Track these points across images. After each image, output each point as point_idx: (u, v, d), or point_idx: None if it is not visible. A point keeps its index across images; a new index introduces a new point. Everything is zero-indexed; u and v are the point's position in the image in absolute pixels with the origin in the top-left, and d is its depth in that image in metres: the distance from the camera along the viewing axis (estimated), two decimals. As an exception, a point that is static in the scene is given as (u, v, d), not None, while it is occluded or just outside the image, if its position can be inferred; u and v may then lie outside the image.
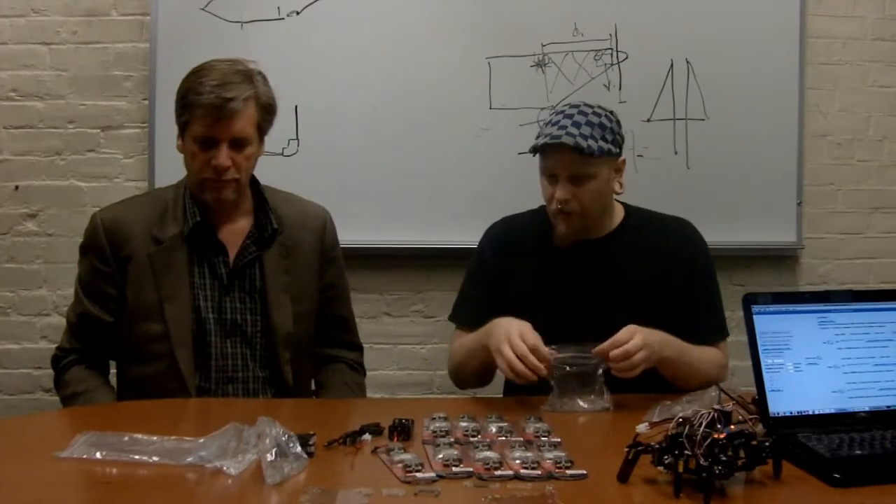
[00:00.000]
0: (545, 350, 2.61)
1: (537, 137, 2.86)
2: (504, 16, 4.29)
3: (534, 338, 2.63)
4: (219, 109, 2.70)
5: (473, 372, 2.99)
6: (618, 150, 2.87)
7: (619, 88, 4.28)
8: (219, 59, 2.83)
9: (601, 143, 2.79)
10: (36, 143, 4.36)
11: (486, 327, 2.78)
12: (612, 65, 4.30)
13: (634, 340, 2.58)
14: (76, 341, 2.93)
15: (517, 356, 2.59)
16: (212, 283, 2.86)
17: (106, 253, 2.84)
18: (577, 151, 2.75)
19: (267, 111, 2.84)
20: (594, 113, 2.84)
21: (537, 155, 2.88)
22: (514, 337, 2.63)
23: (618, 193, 2.95)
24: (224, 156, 2.74)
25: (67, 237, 4.34)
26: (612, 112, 2.90)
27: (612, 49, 4.30)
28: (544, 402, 2.62)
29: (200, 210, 2.85)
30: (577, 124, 2.79)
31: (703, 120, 4.34)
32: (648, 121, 4.28)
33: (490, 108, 4.29)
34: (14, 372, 4.41)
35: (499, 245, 3.10)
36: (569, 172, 2.81)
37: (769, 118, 4.37)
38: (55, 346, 2.99)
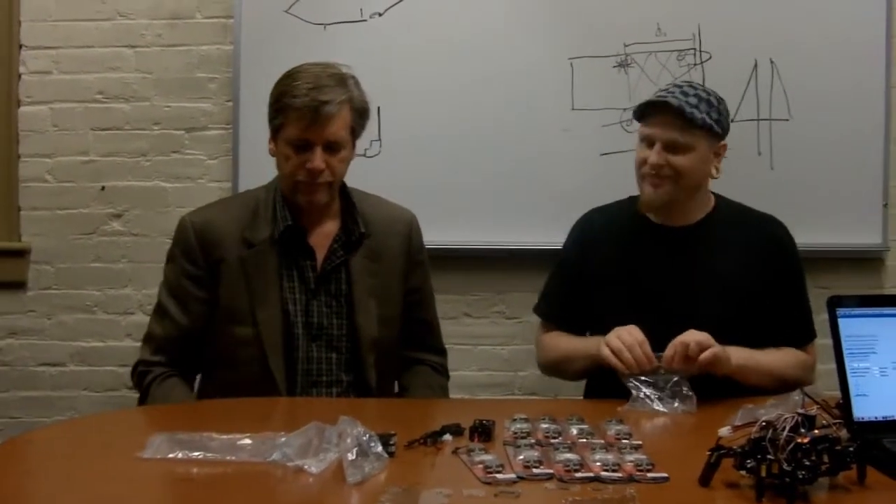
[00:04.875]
0: (650, 351, 2.68)
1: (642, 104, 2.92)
2: (586, 16, 4.27)
3: (642, 336, 2.70)
4: (314, 112, 2.71)
5: (564, 372, 3.11)
6: (720, 131, 2.87)
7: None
8: (311, 63, 2.85)
9: (705, 115, 2.81)
10: (122, 144, 4.42)
11: (598, 339, 2.82)
12: (695, 65, 4.26)
13: (703, 337, 2.66)
14: (162, 354, 2.90)
15: (625, 346, 2.68)
16: (299, 287, 2.87)
17: (196, 255, 2.85)
18: (679, 114, 2.79)
19: (361, 115, 2.86)
20: (704, 90, 2.89)
21: (639, 126, 2.93)
22: (622, 331, 2.73)
23: (713, 178, 2.94)
24: (318, 159, 2.75)
25: (152, 237, 4.41)
26: (722, 99, 2.93)
27: (695, 49, 4.27)
28: (625, 404, 2.61)
29: (291, 213, 2.87)
30: (685, 93, 2.85)
31: (787, 120, 4.28)
32: (732, 121, 4.18)
33: (572, 109, 4.27)
34: (99, 369, 4.49)
35: (582, 234, 3.13)
36: (667, 137, 2.83)
37: (855, 118, 4.29)
38: (138, 344, 3.01)
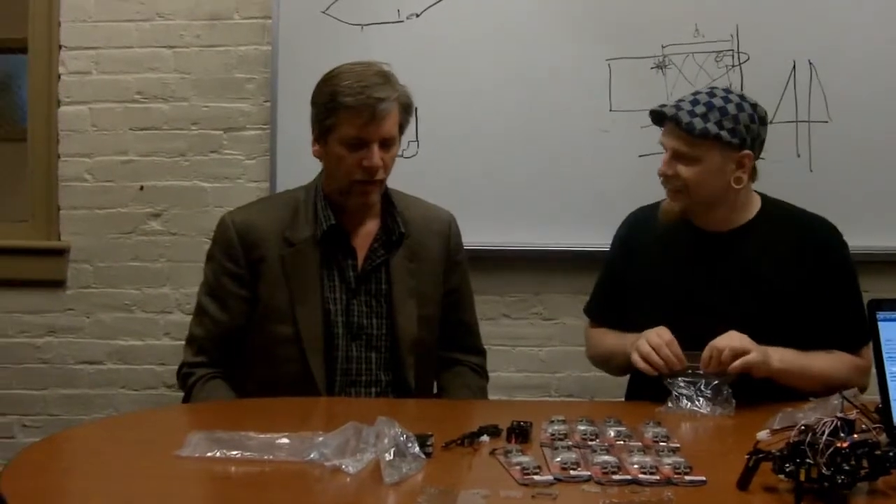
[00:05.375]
0: (679, 350, 2.67)
1: None
2: (624, 17, 4.26)
3: (670, 336, 2.70)
4: (371, 110, 2.72)
5: (609, 367, 3.12)
6: (736, 141, 2.75)
7: (741, 90, 4.20)
8: (352, 63, 2.86)
9: (711, 125, 2.72)
10: (160, 144, 4.45)
11: (631, 338, 2.81)
12: (733, 66, 4.24)
13: (740, 343, 2.63)
14: (203, 354, 2.92)
15: (652, 348, 2.68)
16: (340, 287, 2.88)
17: (237, 253, 2.87)
18: (675, 123, 2.75)
19: (407, 111, 2.87)
20: (723, 97, 2.78)
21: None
22: (651, 334, 2.72)
23: (735, 188, 2.84)
24: (377, 156, 2.76)
25: (190, 236, 4.44)
26: (754, 105, 2.83)
27: (733, 50, 4.25)
28: (663, 406, 2.61)
29: (333, 213, 2.88)
30: (695, 102, 2.77)
31: (826, 122, 4.25)
32: (770, 123, 4.17)
33: (610, 110, 4.27)
34: (137, 368, 4.52)
35: (626, 234, 3.11)
36: (673, 147, 2.80)
37: (894, 120, 4.26)
38: (178, 343, 3.02)
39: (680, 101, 2.82)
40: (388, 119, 2.77)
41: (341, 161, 2.79)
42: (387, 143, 2.80)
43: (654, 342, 2.69)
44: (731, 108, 2.76)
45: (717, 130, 2.73)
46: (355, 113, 2.73)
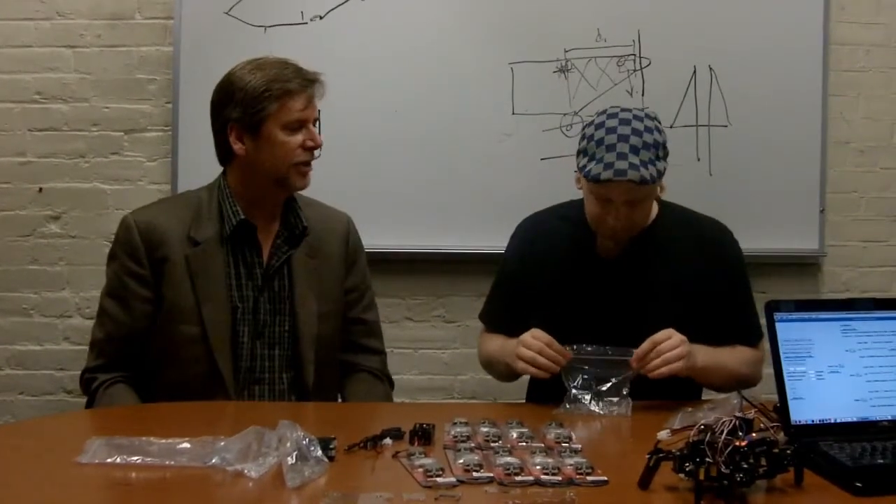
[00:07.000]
0: (560, 347, 2.67)
1: (593, 160, 2.67)
2: (527, 21, 4.29)
3: (547, 336, 2.69)
4: (310, 91, 2.83)
5: (500, 374, 3.07)
6: (667, 162, 2.74)
7: (642, 94, 4.27)
8: (252, 59, 2.88)
9: (658, 164, 2.68)
10: (60, 145, 4.38)
11: (510, 346, 2.80)
12: (634, 71, 4.29)
13: (678, 349, 2.61)
14: (104, 358, 2.87)
15: (535, 352, 2.66)
16: (247, 284, 2.86)
17: (140, 254, 2.82)
18: (640, 182, 2.62)
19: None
20: (646, 129, 2.68)
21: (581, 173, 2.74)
22: (526, 338, 2.71)
23: (657, 196, 2.88)
24: (317, 134, 2.86)
25: (90, 239, 4.37)
26: (655, 117, 2.77)
27: (635, 55, 4.29)
28: (560, 406, 2.64)
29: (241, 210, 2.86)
30: (635, 149, 2.63)
31: (725, 126, 4.32)
32: (671, 127, 4.24)
33: (513, 114, 4.29)
34: (36, 373, 4.44)
35: (522, 246, 3.08)
36: (626, 199, 2.70)
37: (792, 125, 4.34)
38: (78, 347, 2.98)
39: (620, 156, 2.63)
40: (318, 100, 2.87)
41: (284, 146, 2.81)
42: (316, 123, 2.88)
43: (536, 347, 2.68)
44: (657, 136, 2.71)
45: (664, 164, 2.71)
46: (296, 95, 2.79)
